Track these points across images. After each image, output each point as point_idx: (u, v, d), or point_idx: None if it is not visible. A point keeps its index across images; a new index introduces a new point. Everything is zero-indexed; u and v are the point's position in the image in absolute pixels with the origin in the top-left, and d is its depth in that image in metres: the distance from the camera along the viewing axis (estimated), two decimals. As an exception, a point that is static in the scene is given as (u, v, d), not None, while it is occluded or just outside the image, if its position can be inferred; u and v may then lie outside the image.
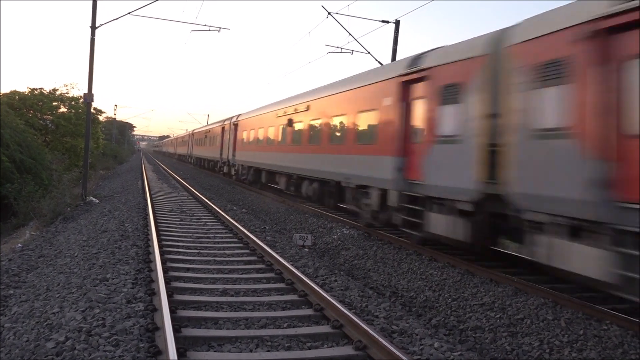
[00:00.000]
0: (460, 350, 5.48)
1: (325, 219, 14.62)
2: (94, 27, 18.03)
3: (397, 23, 20.24)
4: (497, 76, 8.28)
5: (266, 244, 10.03)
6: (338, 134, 14.59)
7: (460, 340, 6.54)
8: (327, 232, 13.08)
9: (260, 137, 23.30)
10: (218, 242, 10.71)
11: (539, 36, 7.50)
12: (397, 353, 4.71)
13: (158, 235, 10.35)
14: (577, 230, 6.75)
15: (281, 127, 19.83)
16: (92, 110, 20.40)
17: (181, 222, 13.12)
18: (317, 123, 16.22)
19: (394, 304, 7.62)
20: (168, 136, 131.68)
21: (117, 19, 18.67)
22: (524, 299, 7.30)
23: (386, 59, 20.32)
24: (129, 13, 18.95)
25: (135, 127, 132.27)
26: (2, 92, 28.71)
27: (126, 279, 7.17)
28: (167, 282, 6.88)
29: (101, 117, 46.01)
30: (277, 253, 9.20)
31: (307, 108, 17.15)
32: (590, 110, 6.57)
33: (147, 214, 13.48)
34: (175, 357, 4.41)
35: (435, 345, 5.46)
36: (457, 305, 7.60)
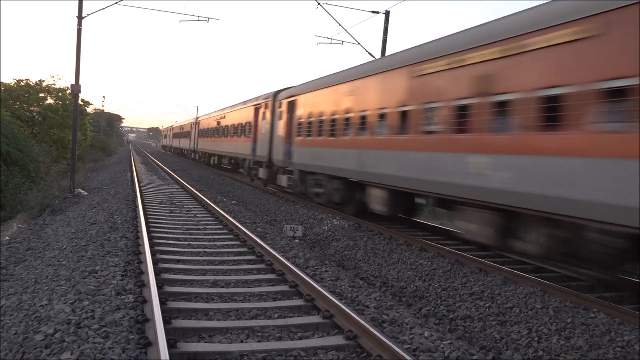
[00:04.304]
0: (450, 339, 5.52)
1: (315, 210, 14.63)
2: (80, 17, 17.81)
3: (387, 14, 20.18)
4: (274, 110, 19.48)
5: (256, 235, 10.02)
6: (237, 130, 26.39)
7: (450, 329, 6.59)
8: (317, 223, 13.09)
9: (207, 131, 36.52)
10: (208, 234, 10.68)
11: (281, 99, 18.73)
12: (388, 342, 4.73)
13: (147, 227, 10.29)
14: (283, 169, 18.13)
15: (216, 126, 32.88)
16: (79, 101, 20.18)
17: (171, 214, 13.07)
18: (229, 124, 28.61)
19: (384, 294, 7.65)
20: (157, 128, 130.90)
21: (104, 8, 18.51)
22: (512, 288, 7.36)
23: (377, 50, 20.58)
24: (116, 3, 18.76)
25: (124, 118, 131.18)
26: None
27: (115, 271, 7.12)
28: (157, 274, 6.84)
29: (89, 109, 45.47)
30: (267, 244, 9.19)
31: (224, 116, 30.39)
32: (284, 128, 17.92)
33: (137, 206, 13.40)
34: (166, 348, 4.39)
35: (425, 334, 5.50)
36: (446, 295, 7.65)
